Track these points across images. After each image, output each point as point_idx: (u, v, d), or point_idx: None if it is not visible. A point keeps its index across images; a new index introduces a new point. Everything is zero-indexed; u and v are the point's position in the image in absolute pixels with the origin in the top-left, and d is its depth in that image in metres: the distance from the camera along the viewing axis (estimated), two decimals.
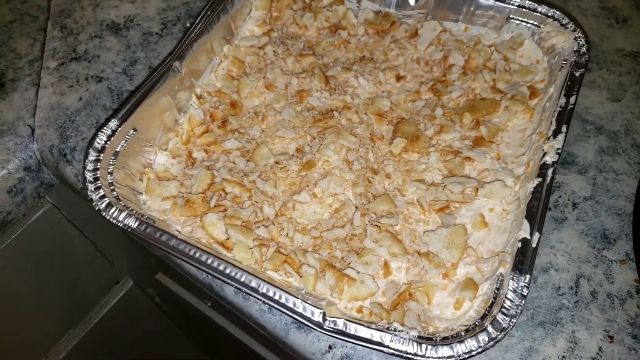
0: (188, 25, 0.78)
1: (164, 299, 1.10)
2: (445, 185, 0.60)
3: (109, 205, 0.55)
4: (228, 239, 0.57)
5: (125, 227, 0.54)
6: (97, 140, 0.58)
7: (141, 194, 0.61)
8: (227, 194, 0.60)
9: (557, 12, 0.68)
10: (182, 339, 1.29)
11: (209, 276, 0.59)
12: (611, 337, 0.55)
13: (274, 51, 0.71)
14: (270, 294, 0.50)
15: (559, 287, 0.57)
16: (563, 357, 0.54)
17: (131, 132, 0.60)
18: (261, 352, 0.90)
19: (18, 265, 0.79)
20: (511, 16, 0.70)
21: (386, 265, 0.56)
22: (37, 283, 0.87)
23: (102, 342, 1.04)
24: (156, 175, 0.62)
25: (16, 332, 0.89)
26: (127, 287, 1.02)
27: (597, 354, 0.54)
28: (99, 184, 0.56)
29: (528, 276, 0.50)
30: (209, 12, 0.67)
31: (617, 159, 0.66)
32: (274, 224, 0.59)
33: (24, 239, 0.77)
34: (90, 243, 0.90)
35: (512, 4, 0.69)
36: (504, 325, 0.48)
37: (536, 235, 0.52)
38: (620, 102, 0.71)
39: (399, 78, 0.70)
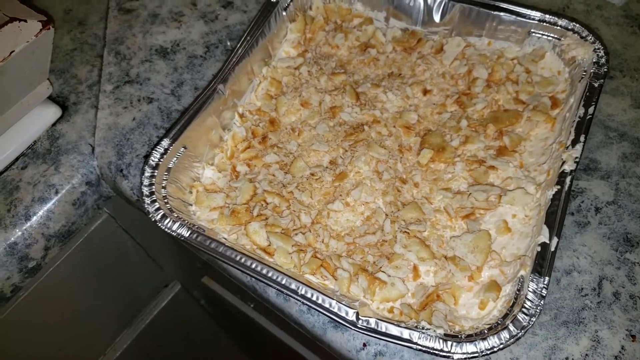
0: (229, 44, 0.84)
1: (209, 302, 1.17)
2: (470, 193, 0.64)
3: (164, 216, 0.61)
4: (269, 245, 0.62)
5: (179, 236, 0.60)
6: (152, 158, 0.65)
7: (191, 205, 0.67)
8: (267, 204, 0.66)
9: (577, 25, 0.70)
10: (226, 339, 1.36)
11: (253, 279, 0.65)
12: (633, 337, 0.57)
13: (309, 71, 0.76)
14: (309, 295, 0.55)
15: (582, 289, 0.60)
16: (586, 355, 0.56)
17: (181, 150, 0.66)
18: (300, 351, 0.96)
19: (80, 270, 0.88)
20: (532, 30, 0.73)
21: (415, 269, 0.61)
22: (96, 286, 0.95)
23: (153, 341, 1.11)
24: (204, 188, 0.68)
25: (77, 331, 0.97)
26: (175, 291, 1.09)
27: (620, 352, 0.56)
28: (154, 198, 0.63)
29: (547, 278, 0.54)
30: (248, 37, 0.74)
31: (639, 164, 0.68)
32: (310, 231, 0.64)
33: (85, 247, 0.85)
34: (142, 249, 0.98)
35: (533, 19, 0.72)
36: (524, 323, 0.52)
37: (555, 240, 0.55)
38: None
39: (425, 92, 0.74)
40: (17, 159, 0.77)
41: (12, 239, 0.72)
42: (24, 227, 0.72)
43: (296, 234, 0.63)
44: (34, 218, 0.73)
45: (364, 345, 0.60)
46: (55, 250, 0.78)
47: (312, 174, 0.68)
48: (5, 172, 0.76)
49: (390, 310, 0.58)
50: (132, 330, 1.08)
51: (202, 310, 1.20)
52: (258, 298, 0.68)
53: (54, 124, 0.80)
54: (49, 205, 0.74)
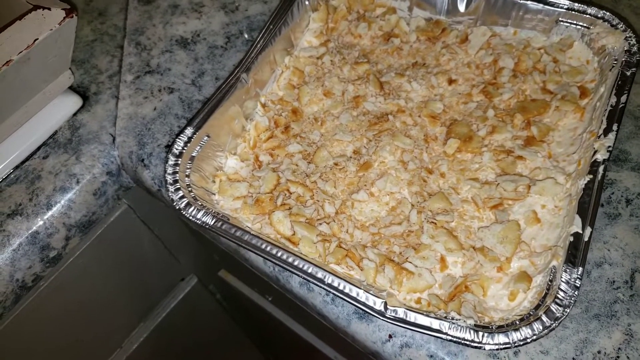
0: (246, 36, 0.83)
1: (225, 296, 1.17)
2: (498, 184, 0.63)
3: (188, 204, 0.61)
4: (294, 234, 0.62)
5: (204, 224, 0.60)
6: (175, 146, 0.64)
7: (214, 194, 0.67)
8: (291, 193, 0.65)
9: (607, 13, 0.69)
10: (240, 335, 1.36)
11: (276, 269, 0.64)
12: None
13: (331, 60, 0.75)
14: (335, 284, 0.54)
15: (614, 281, 0.59)
16: (619, 348, 0.55)
17: (205, 139, 0.66)
18: (318, 346, 0.95)
19: (99, 261, 0.87)
20: (560, 19, 0.71)
21: (442, 259, 0.60)
22: (114, 278, 0.95)
23: (169, 335, 1.11)
24: (227, 177, 0.68)
25: (95, 323, 0.97)
26: (192, 284, 1.09)
27: None
28: (178, 186, 0.62)
29: (581, 268, 0.52)
30: (271, 27, 0.73)
31: None
32: (334, 221, 0.63)
33: (104, 238, 0.84)
34: (160, 242, 0.98)
35: (561, 7, 0.71)
36: (557, 314, 0.50)
37: (588, 230, 0.54)
38: None
39: (450, 82, 0.73)
40: (38, 148, 0.77)
41: (34, 228, 0.71)
42: (46, 217, 0.72)
43: (320, 224, 0.62)
44: (55, 207, 0.73)
45: (390, 336, 0.59)
46: (76, 240, 0.77)
47: (336, 164, 0.67)
48: (27, 162, 0.76)
49: (418, 301, 0.57)
50: (149, 323, 1.08)
51: (217, 305, 1.20)
52: (280, 289, 0.67)
53: (74, 114, 0.79)
54: (70, 194, 0.74)
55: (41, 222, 0.72)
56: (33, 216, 0.71)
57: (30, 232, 0.71)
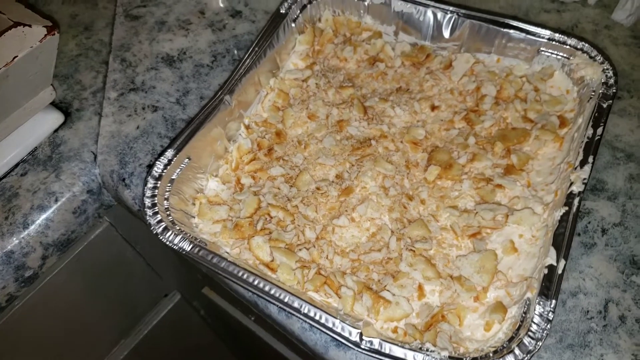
0: (236, 53, 0.83)
1: (209, 313, 1.16)
2: (477, 212, 0.63)
3: (165, 229, 0.61)
4: (273, 260, 0.61)
5: (180, 250, 0.59)
6: (155, 169, 0.64)
7: (194, 217, 0.66)
8: (272, 217, 0.65)
9: (586, 45, 0.70)
10: (225, 352, 1.35)
11: (255, 295, 0.64)
12: None
13: (316, 83, 0.76)
14: (311, 314, 0.54)
15: (588, 311, 0.60)
16: None
17: (185, 161, 0.66)
18: None
19: (78, 279, 0.86)
20: (541, 49, 0.72)
21: (420, 288, 0.60)
22: (94, 296, 0.94)
23: (152, 352, 1.10)
24: (208, 200, 0.68)
25: (75, 341, 0.96)
26: (175, 301, 1.08)
27: None
28: (157, 210, 0.62)
29: (554, 301, 0.53)
30: (256, 48, 0.73)
31: None
32: (314, 247, 0.63)
33: (84, 255, 0.84)
34: (142, 259, 0.97)
35: (543, 37, 0.72)
36: (530, 347, 0.51)
37: (562, 262, 0.55)
38: None
39: (433, 108, 0.73)
40: (17, 165, 0.76)
41: (9, 247, 0.70)
42: (22, 236, 0.71)
43: (300, 250, 0.62)
44: (32, 226, 0.72)
45: None
46: (53, 259, 0.77)
47: (318, 188, 0.67)
48: (4, 179, 0.75)
49: (395, 330, 0.57)
50: (131, 340, 1.06)
51: (201, 321, 1.19)
52: (259, 313, 0.67)
53: (56, 130, 0.79)
54: (48, 213, 0.73)
55: (17, 241, 0.71)
56: (8, 235, 0.70)
57: (4, 251, 0.70)
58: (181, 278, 1.08)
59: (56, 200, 0.74)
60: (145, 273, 1.01)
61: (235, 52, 0.84)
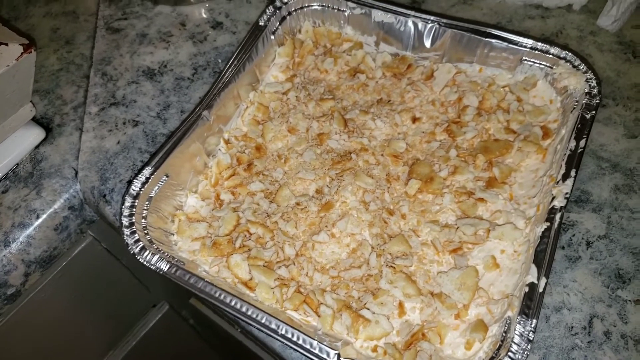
0: (220, 62, 0.82)
1: (198, 322, 1.15)
2: (458, 227, 0.62)
3: (143, 249, 0.60)
4: (251, 279, 0.61)
5: (157, 270, 0.59)
6: (133, 187, 0.63)
7: (173, 235, 0.66)
8: (251, 234, 0.65)
9: (569, 54, 0.69)
10: (217, 359, 1.34)
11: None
12: None
13: (297, 96, 0.75)
14: (289, 335, 0.54)
15: (572, 327, 0.59)
16: None
17: (163, 179, 0.65)
18: None
19: (64, 294, 0.86)
20: (524, 58, 0.71)
21: (401, 305, 0.59)
22: (80, 309, 0.93)
23: None
24: (187, 217, 0.67)
25: (61, 355, 0.95)
26: (163, 311, 1.08)
27: None
28: (134, 229, 0.61)
29: (535, 320, 0.52)
30: (235, 62, 0.72)
31: (632, 196, 0.67)
32: (294, 264, 0.62)
33: (68, 271, 0.83)
34: (128, 271, 0.96)
35: (525, 46, 0.71)
36: None
37: (543, 280, 0.54)
38: (637, 138, 0.71)
39: (414, 120, 0.72)
40: None
41: None
42: (3, 254, 0.71)
43: (279, 267, 0.62)
44: (14, 244, 0.72)
45: None
46: (36, 275, 0.76)
47: (298, 204, 0.66)
48: None
49: (374, 349, 0.57)
50: (120, 351, 1.06)
51: (191, 330, 1.18)
52: (241, 330, 0.66)
53: (37, 147, 0.78)
54: (30, 230, 0.73)
55: None
56: None
57: None
58: (169, 289, 1.08)
59: (37, 217, 0.73)
60: (133, 285, 1.00)
61: (220, 61, 0.83)
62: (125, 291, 1.00)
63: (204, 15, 0.89)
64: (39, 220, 0.73)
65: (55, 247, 0.77)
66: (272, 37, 0.77)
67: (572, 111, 0.66)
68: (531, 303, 0.53)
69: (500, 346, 0.53)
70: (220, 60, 0.84)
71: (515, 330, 0.52)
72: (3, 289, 0.72)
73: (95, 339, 1.02)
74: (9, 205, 0.73)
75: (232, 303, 0.56)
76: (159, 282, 1.05)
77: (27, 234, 0.73)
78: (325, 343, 0.53)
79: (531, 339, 0.51)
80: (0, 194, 0.75)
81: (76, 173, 0.76)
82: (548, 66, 0.71)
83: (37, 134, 0.78)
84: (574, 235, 0.65)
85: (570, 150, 0.62)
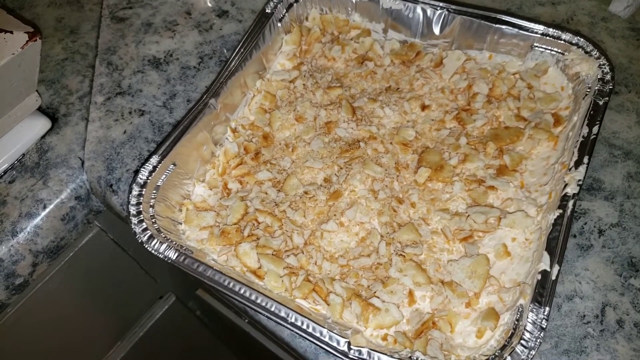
0: (226, 53, 0.81)
1: (205, 313, 1.15)
2: (468, 215, 0.62)
3: (151, 237, 0.60)
4: (260, 267, 0.60)
5: (166, 258, 0.58)
6: (140, 176, 0.63)
7: (180, 224, 0.65)
8: (259, 223, 0.64)
9: (581, 40, 0.68)
10: (224, 350, 1.34)
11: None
12: None
13: (304, 84, 0.74)
14: (299, 323, 0.53)
15: (584, 315, 0.58)
16: None
17: (171, 167, 0.64)
18: None
19: (71, 284, 0.86)
20: (535, 44, 0.70)
21: (411, 294, 0.58)
22: (87, 300, 0.94)
23: (148, 353, 1.10)
24: (194, 206, 0.66)
25: (68, 346, 0.95)
26: (170, 302, 1.08)
27: None
28: (142, 217, 0.61)
29: (547, 308, 0.51)
30: (242, 50, 0.71)
31: None
32: (303, 253, 0.62)
33: (75, 261, 0.83)
34: (135, 262, 0.96)
35: (536, 32, 0.70)
36: (522, 357, 0.49)
37: (556, 268, 0.53)
38: None
39: (424, 107, 0.72)
40: (4, 172, 0.75)
41: None
42: (10, 244, 0.71)
43: (288, 256, 0.61)
44: (21, 234, 0.71)
45: None
46: (44, 266, 0.76)
47: (306, 192, 0.66)
48: None
49: (384, 338, 0.56)
50: (126, 343, 1.06)
51: (198, 321, 1.18)
52: (250, 319, 0.66)
53: (43, 137, 0.78)
54: (37, 220, 0.72)
55: (5, 250, 0.70)
56: None
57: None
58: (176, 280, 1.08)
59: (44, 208, 0.73)
60: (139, 276, 1.00)
61: (225, 50, 0.82)
62: (132, 282, 1.00)
63: (210, 4, 0.88)
64: (46, 210, 0.73)
65: (62, 237, 0.76)
66: (279, 24, 0.76)
67: (584, 98, 0.65)
68: (544, 291, 0.52)
69: (512, 334, 0.52)
70: (226, 50, 0.83)
71: (527, 318, 0.51)
72: (11, 279, 0.72)
73: (102, 330, 1.02)
74: (16, 196, 0.73)
75: (242, 291, 0.55)
76: (166, 273, 1.04)
77: (35, 224, 0.72)
78: (335, 331, 0.53)
79: (544, 326, 0.51)
80: (7, 184, 0.74)
81: (82, 163, 0.75)
82: (559, 52, 0.70)
83: (43, 124, 0.78)
84: (585, 223, 0.64)
85: (583, 137, 0.61)
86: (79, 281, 0.87)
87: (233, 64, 0.70)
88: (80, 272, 0.86)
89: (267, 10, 0.75)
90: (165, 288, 1.09)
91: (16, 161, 0.76)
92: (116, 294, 0.99)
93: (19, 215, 0.72)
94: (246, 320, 0.97)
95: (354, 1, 0.77)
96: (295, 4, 0.78)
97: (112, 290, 0.97)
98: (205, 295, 1.04)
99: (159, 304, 1.08)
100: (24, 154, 0.77)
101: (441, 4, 0.73)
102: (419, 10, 0.74)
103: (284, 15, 0.77)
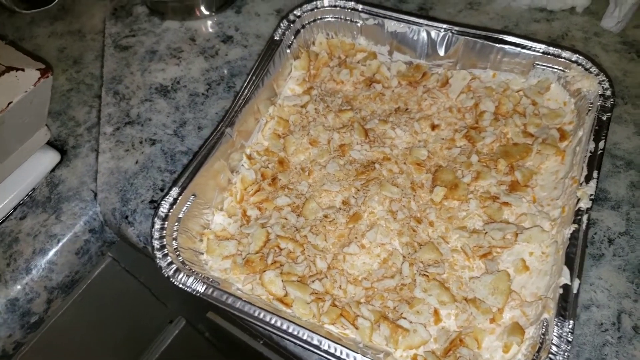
0: (233, 78, 0.82)
1: (215, 335, 1.15)
2: (486, 232, 0.64)
3: (177, 271, 0.60)
4: (286, 295, 0.61)
5: (194, 292, 0.59)
6: (161, 209, 0.63)
7: (202, 254, 0.66)
8: (281, 249, 0.65)
9: (580, 57, 0.71)
10: None
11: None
12: None
13: (315, 109, 0.75)
14: (332, 350, 0.54)
15: (602, 324, 0.60)
16: None
17: (191, 198, 0.65)
18: None
19: (83, 317, 0.85)
20: (537, 62, 0.73)
21: (436, 312, 0.60)
22: (99, 329, 0.93)
23: None
24: (215, 235, 0.67)
25: None
26: (180, 326, 1.07)
27: None
28: (166, 252, 0.61)
29: (572, 322, 0.53)
30: (253, 77, 0.72)
31: None
32: (327, 277, 0.63)
33: (88, 293, 0.82)
34: (146, 289, 0.96)
35: (537, 51, 0.72)
36: None
37: (576, 282, 0.55)
38: None
39: (433, 127, 0.74)
40: (15, 208, 0.75)
41: (13, 294, 0.69)
42: (25, 282, 0.70)
43: (313, 281, 0.62)
44: (35, 271, 0.71)
45: None
46: (58, 301, 0.75)
47: (326, 216, 0.67)
48: (3, 223, 0.73)
49: (414, 358, 0.57)
50: None
51: (208, 344, 1.18)
52: (275, 345, 0.66)
53: (52, 170, 0.78)
54: (51, 256, 0.72)
55: (20, 288, 0.70)
56: (11, 282, 0.69)
57: (8, 299, 0.69)
58: (185, 304, 1.08)
59: (58, 242, 0.73)
60: (150, 302, 1.00)
61: (231, 76, 0.83)
62: (142, 309, 1.00)
63: (213, 30, 0.89)
64: (60, 245, 0.73)
65: (77, 271, 0.76)
66: (288, 50, 0.78)
67: (587, 113, 0.68)
68: (567, 304, 0.54)
69: (539, 348, 0.54)
70: (231, 75, 0.84)
71: (553, 332, 0.53)
72: (26, 318, 0.71)
73: (115, 356, 1.01)
74: (29, 232, 0.73)
75: (273, 321, 0.56)
76: (176, 298, 1.04)
77: (48, 259, 0.72)
78: (368, 356, 0.54)
79: (570, 339, 0.53)
80: (18, 221, 0.74)
81: (95, 195, 0.75)
82: (560, 70, 0.72)
83: (52, 157, 0.77)
84: (595, 233, 0.66)
85: (590, 152, 0.64)
86: (92, 312, 0.87)
87: (246, 92, 0.71)
88: (93, 303, 0.85)
89: (275, 37, 0.76)
90: (175, 312, 1.09)
91: (26, 196, 0.76)
92: (127, 321, 0.98)
93: (33, 252, 0.71)
94: (261, 342, 0.97)
95: (359, 25, 0.79)
96: (302, 30, 0.79)
97: (124, 318, 0.97)
98: (217, 318, 1.04)
99: (169, 329, 1.08)
100: (34, 189, 0.76)
101: (444, 26, 0.75)
102: (423, 32, 0.76)
103: (292, 42, 0.78)
